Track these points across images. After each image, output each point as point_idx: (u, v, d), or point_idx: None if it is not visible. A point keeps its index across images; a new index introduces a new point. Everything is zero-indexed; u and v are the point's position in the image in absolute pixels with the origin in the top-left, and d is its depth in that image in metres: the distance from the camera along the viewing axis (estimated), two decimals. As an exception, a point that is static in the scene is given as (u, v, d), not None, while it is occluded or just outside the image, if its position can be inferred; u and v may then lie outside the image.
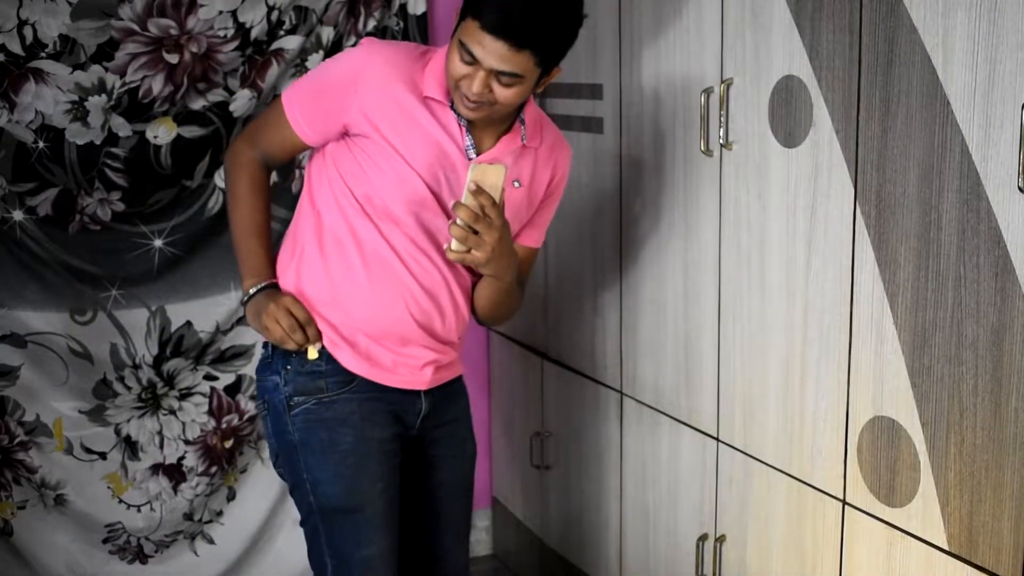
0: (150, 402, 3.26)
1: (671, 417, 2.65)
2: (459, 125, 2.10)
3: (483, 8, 1.91)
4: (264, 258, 2.24)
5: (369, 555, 2.19)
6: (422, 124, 2.08)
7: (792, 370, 2.22)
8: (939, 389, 1.86)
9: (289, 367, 2.20)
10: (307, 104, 2.16)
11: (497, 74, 1.96)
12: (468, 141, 2.11)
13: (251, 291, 2.21)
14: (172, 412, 3.29)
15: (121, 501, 3.28)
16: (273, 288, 2.22)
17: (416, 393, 2.25)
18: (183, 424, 3.32)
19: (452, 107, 2.08)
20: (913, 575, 1.96)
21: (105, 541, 3.28)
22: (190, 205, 3.15)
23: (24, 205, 3.00)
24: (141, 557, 3.34)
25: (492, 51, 1.92)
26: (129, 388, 3.22)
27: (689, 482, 2.61)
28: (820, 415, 2.15)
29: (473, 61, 1.95)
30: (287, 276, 2.23)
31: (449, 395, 2.35)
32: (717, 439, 2.48)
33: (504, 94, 1.99)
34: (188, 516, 3.37)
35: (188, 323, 3.23)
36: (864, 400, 2.03)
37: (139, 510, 3.31)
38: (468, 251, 2.02)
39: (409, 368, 2.22)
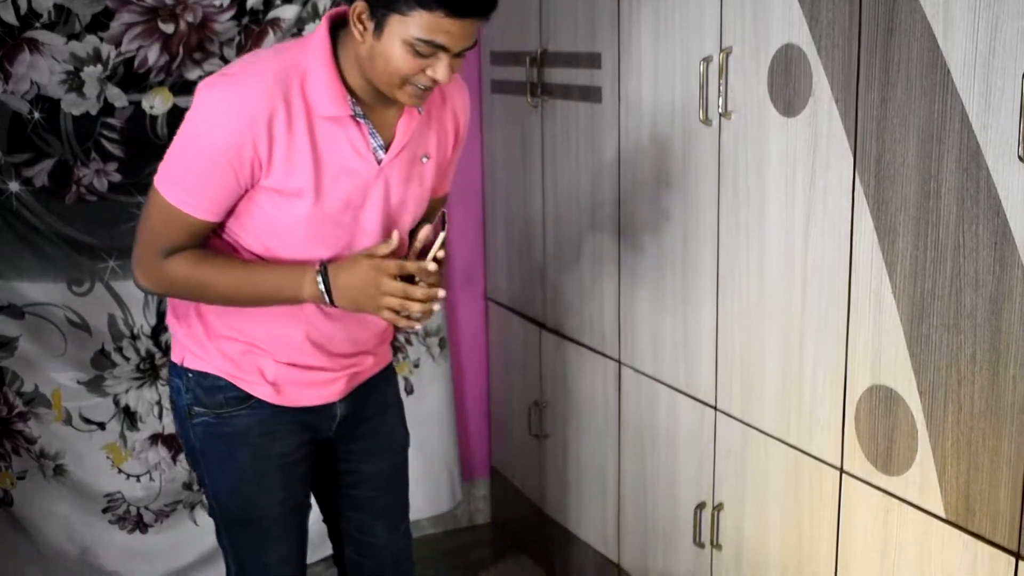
0: (148, 372, 3.26)
1: (669, 386, 2.66)
2: (361, 127, 1.93)
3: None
4: (283, 264, 1.97)
5: (267, 561, 2.19)
6: (325, 161, 1.90)
7: (790, 339, 2.22)
8: (937, 358, 1.87)
9: (189, 375, 2.10)
10: (191, 189, 1.89)
11: (459, 52, 1.84)
12: (375, 142, 1.96)
13: (319, 286, 1.94)
14: (170, 382, 3.29)
15: (120, 471, 3.29)
16: (328, 266, 1.95)
17: (329, 404, 2.16)
18: (182, 394, 3.32)
19: (353, 115, 1.91)
20: (910, 543, 1.97)
21: (105, 511, 3.29)
22: (186, 176, 3.14)
23: (20, 176, 2.99)
24: (141, 526, 3.35)
25: (461, 33, 1.80)
26: (127, 359, 3.22)
27: (687, 451, 2.62)
28: (818, 384, 2.15)
29: (434, 51, 1.80)
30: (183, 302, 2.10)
31: (371, 389, 2.25)
32: (715, 408, 2.49)
33: (457, 67, 1.88)
34: (187, 486, 3.38)
35: (186, 293, 3.23)
36: (862, 369, 2.03)
37: (138, 480, 3.31)
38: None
39: (318, 386, 2.12)
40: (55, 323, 3.11)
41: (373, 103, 1.94)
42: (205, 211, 1.90)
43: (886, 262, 1.94)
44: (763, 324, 2.29)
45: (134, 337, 3.21)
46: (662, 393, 2.69)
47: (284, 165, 1.88)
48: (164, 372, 3.28)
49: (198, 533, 3.41)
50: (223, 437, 2.10)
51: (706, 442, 2.54)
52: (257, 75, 1.85)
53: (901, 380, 1.95)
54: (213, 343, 2.08)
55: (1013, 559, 1.76)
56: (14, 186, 2.99)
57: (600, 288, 2.92)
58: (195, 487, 3.39)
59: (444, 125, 2.10)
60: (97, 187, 3.07)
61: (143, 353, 3.23)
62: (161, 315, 3.22)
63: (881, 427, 2.01)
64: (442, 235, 1.93)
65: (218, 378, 2.08)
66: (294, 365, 2.08)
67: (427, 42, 1.79)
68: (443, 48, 1.81)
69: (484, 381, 3.77)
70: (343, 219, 1.97)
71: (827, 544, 2.18)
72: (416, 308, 1.91)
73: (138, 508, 3.33)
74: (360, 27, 1.82)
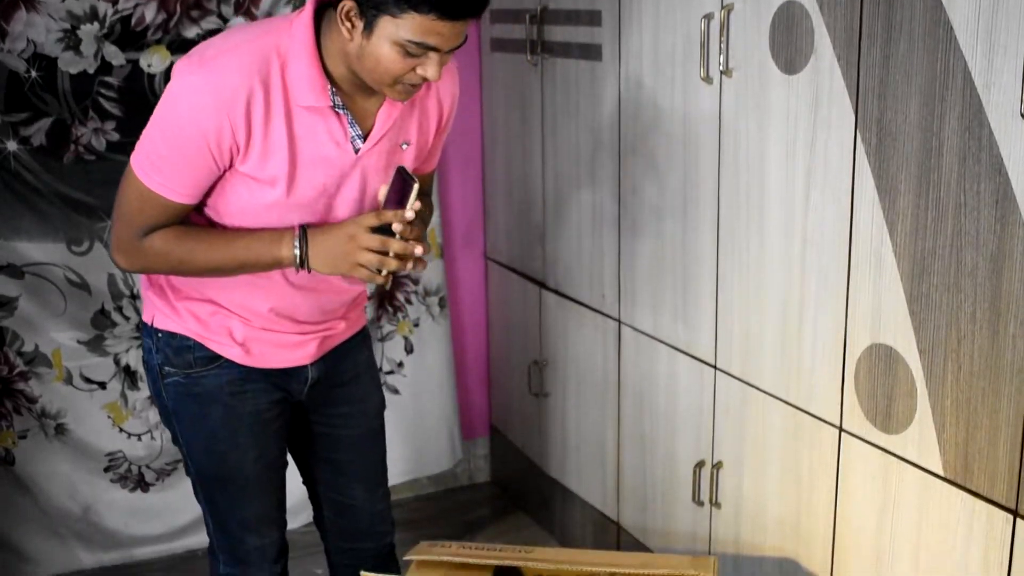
0: (149, 332, 3.26)
1: (669, 345, 2.66)
2: (340, 118, 1.91)
3: (427, 1, 1.72)
4: (260, 230, 1.95)
5: (244, 517, 2.19)
6: (301, 150, 1.89)
7: (790, 298, 2.22)
8: (937, 316, 1.87)
9: (159, 336, 2.10)
10: (168, 173, 1.87)
11: (450, 50, 1.82)
12: (353, 132, 1.93)
13: (295, 249, 1.92)
14: (171, 342, 3.30)
15: (121, 430, 3.30)
16: (307, 229, 1.93)
17: (300, 366, 2.16)
18: (182, 354, 3.33)
19: (333, 106, 1.89)
20: (908, 501, 1.98)
21: (106, 470, 3.31)
22: (185, 134, 3.13)
23: (18, 135, 2.98)
24: (142, 485, 3.37)
25: (452, 34, 1.77)
26: (127, 318, 3.22)
27: (686, 409, 2.63)
28: (818, 342, 2.16)
29: (425, 51, 1.78)
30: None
31: (342, 354, 2.24)
32: (715, 367, 2.50)
33: (446, 62, 1.86)
34: (188, 445, 3.39)
35: (185, 253, 3.22)
36: (862, 328, 2.04)
37: (139, 439, 3.33)
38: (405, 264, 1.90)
39: (288, 348, 2.12)
40: (55, 283, 3.11)
41: (354, 92, 1.92)
42: (183, 195, 1.89)
43: (887, 221, 1.94)
44: (763, 283, 2.29)
45: (134, 297, 3.21)
46: (662, 352, 2.69)
47: (260, 152, 1.86)
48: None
49: (199, 491, 3.43)
50: (194, 396, 2.10)
51: (706, 401, 2.54)
52: (235, 59, 1.81)
53: (901, 339, 1.95)
54: (181, 304, 2.08)
55: (1011, 516, 1.77)
56: (12, 146, 2.98)
57: (600, 247, 2.91)
58: (196, 446, 3.40)
59: (427, 111, 2.07)
60: (95, 146, 3.06)
61: (142, 315, 3.23)
62: (161, 275, 3.23)
63: (880, 386, 2.01)
64: (415, 187, 1.88)
65: (187, 338, 2.08)
66: (263, 328, 2.09)
67: (418, 44, 1.76)
68: (434, 49, 1.78)
69: (484, 340, 3.78)
70: (316, 206, 1.96)
71: (826, 502, 2.19)
72: (393, 264, 1.88)
73: (139, 467, 3.34)
74: (348, 25, 1.79)
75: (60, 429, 3.22)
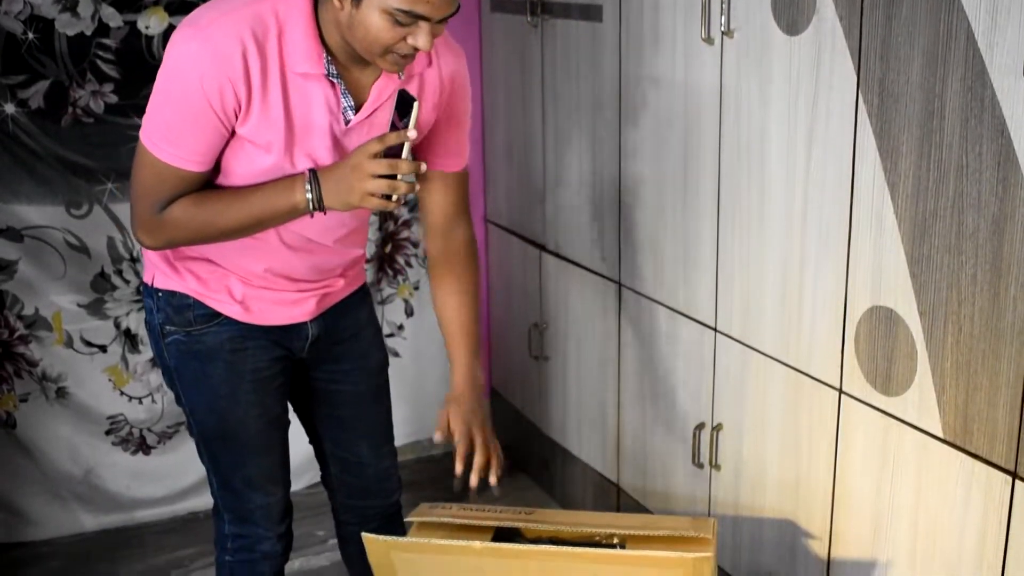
0: (149, 295, 3.26)
1: (669, 308, 2.66)
2: (334, 87, 1.89)
3: None
4: (271, 182, 1.94)
5: (247, 475, 2.20)
6: (295, 116, 1.88)
7: (791, 260, 2.22)
8: (938, 278, 1.86)
9: (159, 295, 2.11)
10: (179, 143, 1.86)
11: (442, 19, 1.79)
12: (346, 102, 1.92)
13: (307, 192, 1.90)
14: (171, 305, 3.30)
15: (123, 393, 3.31)
16: (315, 171, 1.92)
17: (300, 323, 2.17)
18: (182, 317, 3.33)
19: (327, 74, 1.87)
20: (907, 462, 1.99)
21: (108, 433, 3.32)
22: (183, 97, 3.11)
23: (16, 98, 2.97)
24: (144, 448, 3.38)
25: (442, 2, 1.74)
26: (127, 281, 3.22)
27: (687, 372, 2.63)
28: (818, 305, 2.15)
29: (415, 20, 1.75)
30: None
31: (342, 311, 2.24)
32: (715, 329, 2.50)
33: (439, 33, 1.83)
34: (189, 408, 3.40)
35: (184, 216, 3.22)
36: (862, 290, 2.03)
37: (140, 402, 3.34)
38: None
39: (287, 305, 2.13)
40: (54, 246, 3.11)
41: (349, 64, 1.90)
42: (196, 162, 1.88)
43: (888, 183, 1.93)
44: (764, 245, 2.29)
45: (133, 260, 3.21)
46: (662, 315, 2.69)
47: (259, 114, 1.86)
48: (164, 295, 3.28)
49: (201, 454, 3.45)
50: (195, 354, 2.11)
51: (706, 363, 2.55)
52: (231, 23, 1.79)
53: (901, 301, 1.95)
54: (181, 263, 2.09)
55: (1010, 478, 1.78)
56: (10, 108, 2.97)
57: (600, 209, 2.91)
58: (197, 409, 3.41)
59: (426, 88, 2.02)
60: (93, 109, 3.04)
61: (142, 276, 3.23)
62: (160, 238, 3.22)
63: (881, 348, 2.01)
64: (416, 105, 1.88)
65: (187, 297, 2.09)
66: (261, 287, 2.10)
67: (407, 12, 1.73)
68: (424, 18, 1.75)
69: (484, 303, 3.78)
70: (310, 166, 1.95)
71: (825, 464, 2.20)
72: (403, 188, 1.85)
73: (140, 430, 3.35)
74: None
75: (61, 392, 3.23)
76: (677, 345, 2.65)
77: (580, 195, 3.00)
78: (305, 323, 2.17)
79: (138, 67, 3.03)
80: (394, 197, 1.87)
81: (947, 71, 1.77)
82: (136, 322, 3.26)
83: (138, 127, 3.20)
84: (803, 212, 2.16)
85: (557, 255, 3.19)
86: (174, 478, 3.42)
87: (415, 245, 3.56)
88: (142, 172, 1.91)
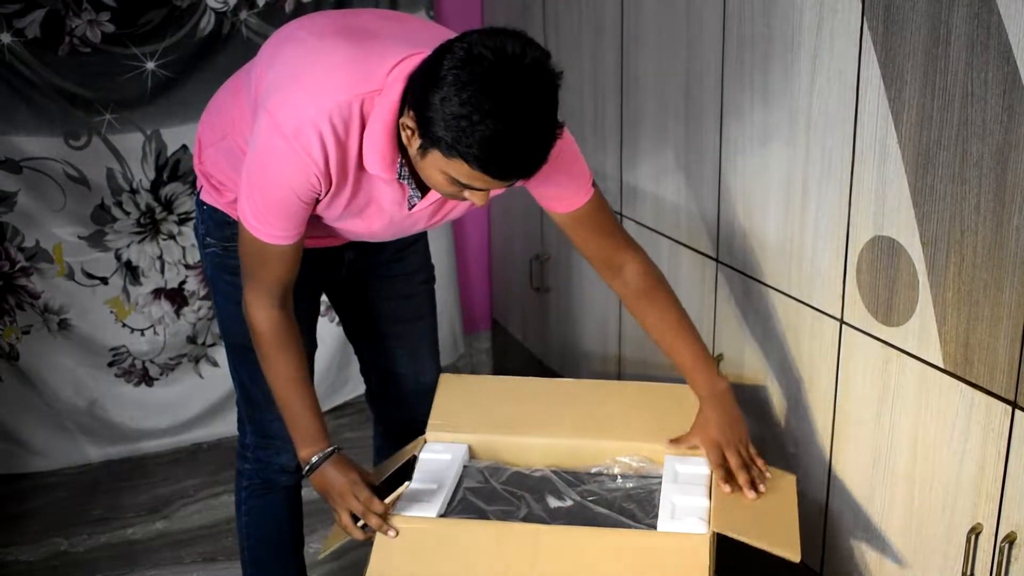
0: (149, 227, 3.26)
1: (670, 238, 2.65)
2: (404, 187, 1.95)
3: (480, 159, 1.68)
4: (312, 419, 2.06)
5: (267, 388, 2.19)
6: (360, 197, 1.96)
7: (793, 190, 2.20)
8: (941, 208, 1.85)
9: (204, 207, 2.19)
10: (274, 223, 1.93)
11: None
12: (412, 192, 1.96)
13: (312, 460, 2.04)
14: (172, 237, 3.30)
15: (124, 325, 3.32)
16: (334, 454, 2.05)
17: (337, 248, 2.22)
18: (183, 249, 3.33)
19: (400, 178, 1.92)
20: (908, 392, 1.99)
21: (111, 364, 3.33)
22: (181, 26, 3.08)
23: (11, 27, 2.93)
24: (147, 380, 3.39)
25: (497, 183, 1.76)
26: (128, 213, 3.21)
27: (688, 302, 2.61)
28: (820, 235, 2.14)
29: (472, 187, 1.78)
30: (207, 152, 2.16)
31: None
32: (716, 260, 2.49)
33: (499, 190, 1.83)
34: (191, 339, 3.41)
35: (184, 147, 3.20)
36: (865, 220, 2.02)
37: (143, 334, 3.35)
38: None
39: (324, 238, 2.15)
40: (53, 177, 3.10)
41: None
42: (290, 236, 1.95)
43: (892, 111, 1.91)
44: (765, 175, 2.27)
45: (133, 191, 3.19)
46: (663, 245, 2.68)
47: (333, 196, 1.92)
48: (164, 227, 3.28)
49: (203, 386, 3.46)
50: (229, 268, 2.16)
51: (707, 294, 2.54)
52: (317, 117, 1.81)
53: (904, 231, 1.94)
54: (223, 187, 2.15)
55: (1009, 408, 1.78)
56: (6, 38, 2.94)
57: (603, 139, 2.89)
58: (199, 340, 3.42)
59: None
60: (90, 38, 3.01)
61: (143, 207, 3.22)
62: (159, 169, 3.20)
63: (882, 278, 2.01)
64: (405, 485, 2.10)
65: (227, 214, 2.15)
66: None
67: (465, 185, 1.76)
68: (478, 188, 1.77)
69: (485, 235, 3.77)
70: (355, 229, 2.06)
71: (826, 393, 2.20)
72: (374, 522, 1.98)
73: (143, 362, 3.37)
74: (407, 133, 1.77)
75: (63, 324, 3.23)
76: (679, 276, 2.64)
77: (582, 124, 2.98)
78: (343, 247, 2.22)
79: (134, -5, 3.00)
80: (360, 524, 2.01)
81: (953, -3, 1.75)
82: (137, 254, 3.25)
83: (135, 57, 3.19)
84: (806, 141, 2.14)
85: (559, 186, 3.17)
86: (178, 409, 3.44)
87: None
88: (247, 251, 1.99)
